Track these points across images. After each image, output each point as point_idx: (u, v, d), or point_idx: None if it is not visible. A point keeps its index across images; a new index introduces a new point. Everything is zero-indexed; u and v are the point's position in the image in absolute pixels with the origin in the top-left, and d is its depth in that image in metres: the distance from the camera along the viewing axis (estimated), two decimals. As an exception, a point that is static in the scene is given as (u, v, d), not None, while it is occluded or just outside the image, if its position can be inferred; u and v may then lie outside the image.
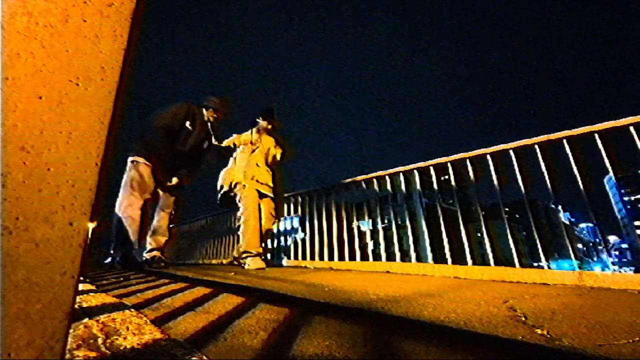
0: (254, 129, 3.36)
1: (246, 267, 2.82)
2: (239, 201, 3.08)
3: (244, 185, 3.06)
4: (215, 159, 3.38)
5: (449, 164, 2.59)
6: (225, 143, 3.36)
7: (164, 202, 3.16)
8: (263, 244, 3.01)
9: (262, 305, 1.10)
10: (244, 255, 2.90)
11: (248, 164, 3.15)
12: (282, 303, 1.15)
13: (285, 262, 3.58)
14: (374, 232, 3.10)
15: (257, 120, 3.37)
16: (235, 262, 3.28)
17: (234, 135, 3.41)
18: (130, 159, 2.90)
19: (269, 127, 3.35)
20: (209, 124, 3.26)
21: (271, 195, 3.16)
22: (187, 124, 3.05)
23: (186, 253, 5.83)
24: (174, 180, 3.03)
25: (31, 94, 0.40)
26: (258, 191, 3.08)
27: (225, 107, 3.31)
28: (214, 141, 3.31)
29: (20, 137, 0.38)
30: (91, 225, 0.43)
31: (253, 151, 3.22)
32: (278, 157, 3.33)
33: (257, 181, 3.10)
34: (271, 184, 3.19)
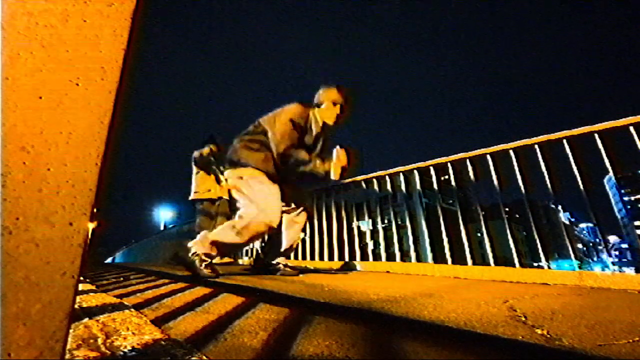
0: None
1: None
2: None
3: None
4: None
5: (449, 164, 2.59)
6: None
7: None
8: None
9: (262, 305, 1.10)
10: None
11: None
12: (282, 303, 1.15)
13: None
14: (374, 232, 3.10)
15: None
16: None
17: None
18: None
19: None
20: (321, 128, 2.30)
21: None
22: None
23: (186, 253, 5.84)
24: None
25: (31, 94, 0.40)
26: None
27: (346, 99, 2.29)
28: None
29: (20, 137, 0.38)
30: (91, 225, 0.43)
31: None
32: None
33: None
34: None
